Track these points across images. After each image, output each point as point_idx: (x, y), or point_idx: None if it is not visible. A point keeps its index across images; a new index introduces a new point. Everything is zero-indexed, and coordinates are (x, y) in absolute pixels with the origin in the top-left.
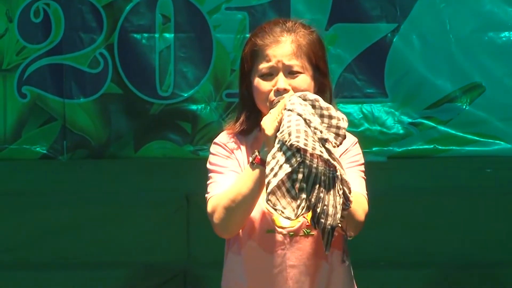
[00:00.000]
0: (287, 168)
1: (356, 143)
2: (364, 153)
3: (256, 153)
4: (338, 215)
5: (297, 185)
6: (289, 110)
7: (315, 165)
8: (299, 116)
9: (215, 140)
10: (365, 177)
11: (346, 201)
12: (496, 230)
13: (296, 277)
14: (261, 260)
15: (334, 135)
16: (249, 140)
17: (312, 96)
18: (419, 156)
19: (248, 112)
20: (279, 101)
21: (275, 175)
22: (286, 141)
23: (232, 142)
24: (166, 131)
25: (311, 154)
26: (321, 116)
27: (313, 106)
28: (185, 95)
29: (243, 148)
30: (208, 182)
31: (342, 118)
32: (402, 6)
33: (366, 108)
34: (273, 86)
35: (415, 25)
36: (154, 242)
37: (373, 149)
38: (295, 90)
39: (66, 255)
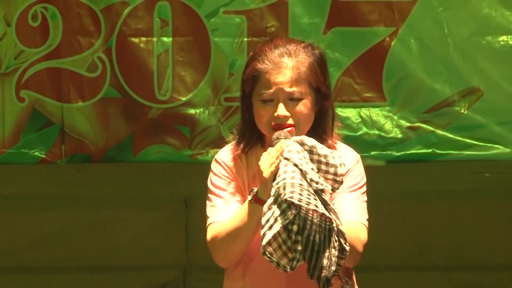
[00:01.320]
0: (282, 221)
1: (358, 161)
2: (363, 158)
3: (255, 191)
4: (333, 268)
5: (293, 237)
6: (285, 158)
7: (310, 218)
8: (295, 167)
9: (216, 158)
10: (366, 198)
11: (342, 251)
12: (495, 234)
13: None
14: (265, 280)
15: (331, 181)
16: (250, 158)
17: (309, 142)
18: (418, 160)
19: (249, 132)
20: (278, 138)
21: (270, 227)
22: (281, 194)
23: (233, 161)
24: (164, 135)
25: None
26: (319, 162)
27: (311, 152)
28: (184, 99)
29: (244, 166)
30: (208, 204)
31: (340, 164)
32: (400, 10)
33: (364, 112)
34: (274, 112)
35: (413, 29)
36: (153, 245)
37: (372, 153)
38: (295, 116)
39: (64, 259)
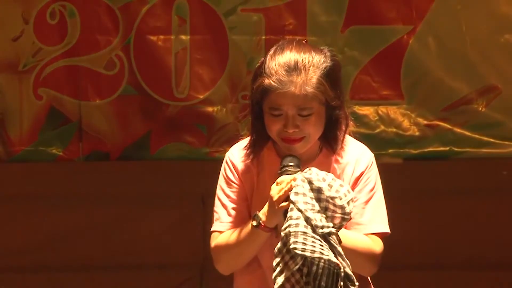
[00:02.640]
0: (292, 267)
1: (372, 162)
2: (380, 156)
3: (259, 219)
4: None
5: (304, 279)
6: (291, 202)
7: (316, 263)
8: (299, 213)
9: (227, 158)
10: (383, 199)
11: None
12: None
13: None
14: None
15: (340, 219)
16: (261, 160)
17: (317, 183)
18: (435, 158)
19: (259, 143)
20: (287, 166)
21: (281, 272)
22: (287, 243)
23: (243, 163)
24: (182, 133)
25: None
26: (327, 201)
27: (319, 192)
28: (201, 97)
29: (254, 167)
30: (214, 208)
31: (348, 202)
32: (418, 8)
33: (382, 110)
34: (283, 125)
35: (431, 27)
36: (170, 243)
37: (389, 151)
38: (305, 129)
39: (82, 257)
